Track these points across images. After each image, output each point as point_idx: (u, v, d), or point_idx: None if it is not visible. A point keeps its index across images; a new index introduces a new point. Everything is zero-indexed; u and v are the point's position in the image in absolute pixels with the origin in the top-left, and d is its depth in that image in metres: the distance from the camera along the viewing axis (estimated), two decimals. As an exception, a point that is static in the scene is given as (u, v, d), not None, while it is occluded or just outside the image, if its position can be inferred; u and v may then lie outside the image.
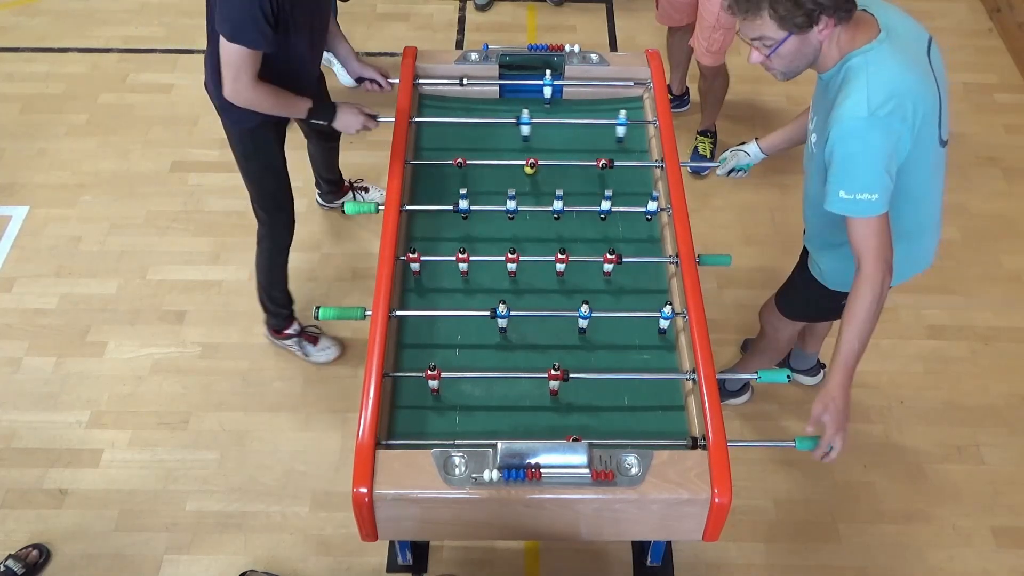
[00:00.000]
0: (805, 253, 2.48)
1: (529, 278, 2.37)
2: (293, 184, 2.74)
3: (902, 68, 1.88)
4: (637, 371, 2.19)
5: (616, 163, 2.53)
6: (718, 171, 2.63)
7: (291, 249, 2.94)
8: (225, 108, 2.53)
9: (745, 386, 3.02)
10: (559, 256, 2.28)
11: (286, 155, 2.75)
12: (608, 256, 2.27)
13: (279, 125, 2.68)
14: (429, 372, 2.06)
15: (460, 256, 2.27)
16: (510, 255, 2.28)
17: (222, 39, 2.27)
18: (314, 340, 3.10)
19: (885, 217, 1.91)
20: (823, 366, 3.07)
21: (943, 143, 2.05)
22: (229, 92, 2.36)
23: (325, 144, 3.26)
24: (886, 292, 1.97)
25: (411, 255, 2.29)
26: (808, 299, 2.47)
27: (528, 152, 2.56)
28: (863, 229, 1.91)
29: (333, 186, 3.49)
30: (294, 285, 3.30)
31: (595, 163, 2.50)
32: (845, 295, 2.32)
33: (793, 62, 1.94)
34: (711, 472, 1.89)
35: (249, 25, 2.23)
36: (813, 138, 2.06)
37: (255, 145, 2.64)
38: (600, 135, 2.68)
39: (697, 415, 2.04)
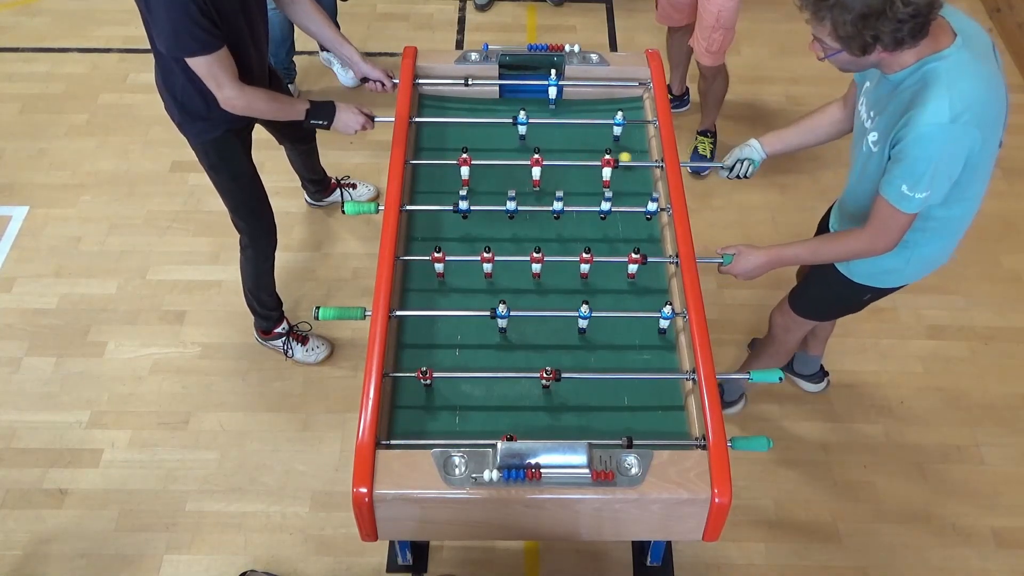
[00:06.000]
0: None
1: (529, 278, 2.37)
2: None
3: (981, 75, 1.90)
4: (637, 371, 2.19)
5: (617, 163, 2.53)
6: (727, 175, 2.56)
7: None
8: (184, 124, 2.54)
9: (741, 396, 3.01)
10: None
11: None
12: (633, 256, 2.28)
13: (242, 132, 2.66)
14: (421, 373, 2.06)
15: (485, 256, 2.27)
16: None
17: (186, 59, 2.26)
18: (303, 340, 3.10)
19: (914, 215, 2.01)
20: (827, 373, 3.07)
21: (1000, 145, 2.07)
22: (223, 102, 2.37)
23: (301, 147, 3.24)
24: (862, 258, 2.20)
25: (436, 254, 2.28)
26: (829, 295, 2.47)
27: (527, 153, 2.56)
28: (897, 218, 2.02)
29: (318, 186, 3.49)
30: (293, 285, 3.31)
31: (597, 163, 2.47)
32: (868, 288, 2.36)
33: (847, 68, 2.00)
34: (711, 472, 1.89)
35: (184, 34, 2.19)
36: (872, 136, 2.06)
37: (220, 156, 2.62)
38: (600, 135, 2.68)
39: (697, 415, 2.04)
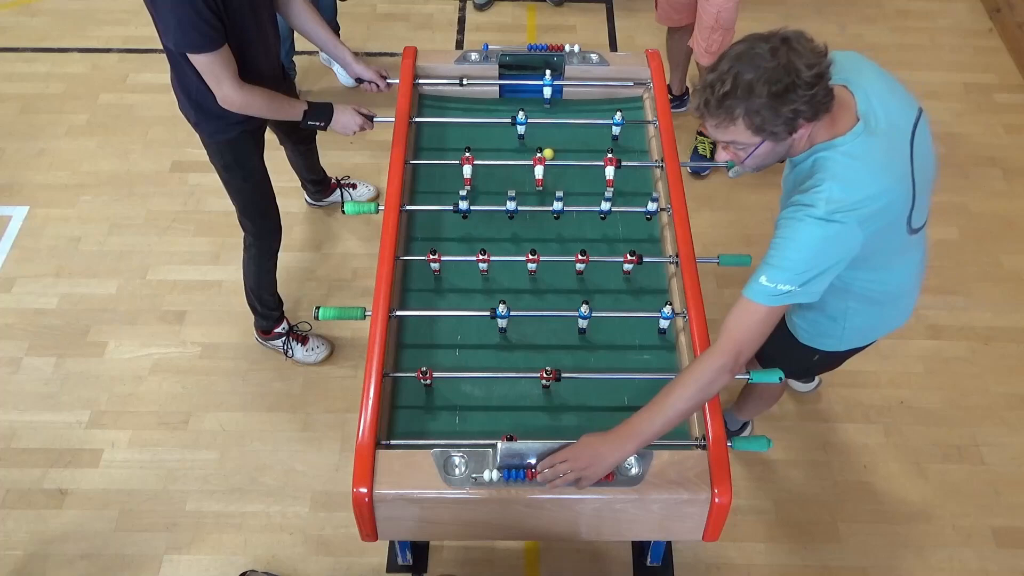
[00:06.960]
0: None
1: (529, 278, 2.37)
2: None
3: (872, 168, 1.72)
4: (637, 371, 2.19)
5: (620, 163, 2.53)
6: (729, 174, 2.56)
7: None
8: (199, 123, 2.54)
9: (745, 424, 2.96)
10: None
11: (274, 156, 2.73)
12: (628, 257, 2.28)
13: (256, 133, 2.66)
14: (421, 373, 2.06)
15: (481, 257, 2.28)
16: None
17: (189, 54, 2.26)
18: (303, 340, 3.10)
19: (777, 313, 1.78)
20: (819, 372, 3.06)
21: (915, 231, 1.91)
22: (221, 100, 2.36)
23: (301, 147, 3.23)
24: (720, 385, 1.80)
25: (431, 255, 2.29)
26: (780, 353, 2.27)
27: (526, 153, 2.56)
28: (750, 314, 1.77)
29: (319, 186, 3.49)
30: (293, 285, 3.31)
31: (598, 163, 2.47)
32: (814, 349, 2.22)
33: (766, 160, 1.80)
34: (711, 472, 1.89)
35: (189, 29, 2.19)
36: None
37: (234, 156, 2.62)
38: (600, 135, 2.68)
39: (697, 415, 2.04)
